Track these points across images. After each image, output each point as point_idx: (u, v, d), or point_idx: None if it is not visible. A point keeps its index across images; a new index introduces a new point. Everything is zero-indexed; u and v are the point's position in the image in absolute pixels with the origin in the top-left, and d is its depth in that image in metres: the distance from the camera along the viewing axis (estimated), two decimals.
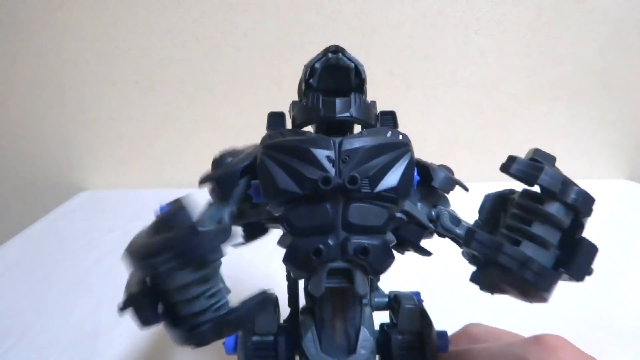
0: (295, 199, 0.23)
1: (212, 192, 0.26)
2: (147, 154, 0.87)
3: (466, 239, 0.23)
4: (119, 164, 0.90)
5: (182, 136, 0.84)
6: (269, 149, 0.24)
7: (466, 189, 0.27)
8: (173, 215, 0.21)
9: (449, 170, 0.28)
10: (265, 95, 0.78)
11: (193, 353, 0.46)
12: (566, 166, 0.86)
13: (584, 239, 0.22)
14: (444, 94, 0.77)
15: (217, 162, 0.26)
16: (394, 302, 0.29)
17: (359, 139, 0.24)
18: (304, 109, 0.26)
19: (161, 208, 0.23)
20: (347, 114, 0.26)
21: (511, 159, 0.23)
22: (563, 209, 0.22)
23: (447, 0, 0.71)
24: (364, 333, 0.26)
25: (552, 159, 0.23)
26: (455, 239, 0.26)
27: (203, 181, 0.26)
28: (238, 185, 0.26)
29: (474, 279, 0.23)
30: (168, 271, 0.20)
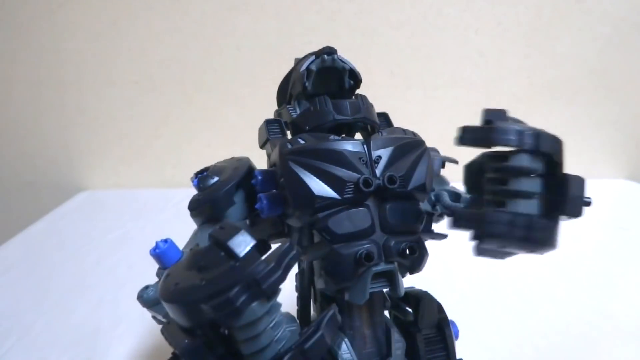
0: (329, 205, 0.22)
1: (199, 215, 0.25)
2: (147, 154, 0.87)
3: (455, 219, 0.23)
4: (119, 164, 0.90)
5: (182, 136, 0.84)
6: (295, 155, 0.22)
7: (456, 162, 0.28)
8: (230, 243, 0.18)
9: (434, 150, 0.29)
10: (265, 95, 0.78)
11: None
12: (566, 166, 0.85)
13: (568, 174, 0.22)
14: (444, 94, 0.77)
15: (201, 184, 0.25)
16: (411, 299, 0.29)
17: (383, 139, 0.24)
18: (313, 113, 0.25)
19: (157, 245, 0.22)
20: (360, 115, 0.26)
21: (463, 130, 0.23)
22: (527, 157, 0.22)
23: (447, 0, 0.71)
24: (395, 335, 0.25)
25: (502, 113, 0.24)
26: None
27: (195, 207, 0.25)
28: (234, 204, 0.25)
29: (479, 253, 0.24)
30: (244, 305, 0.17)
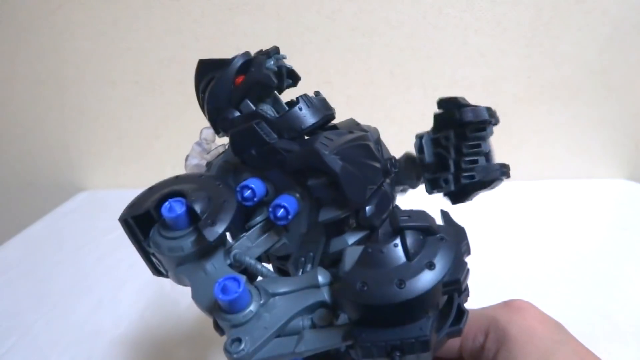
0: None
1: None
2: (147, 154, 0.87)
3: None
4: (119, 164, 0.90)
5: (182, 136, 0.84)
6: (342, 153, 0.23)
7: None
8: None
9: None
10: None
11: (193, 352, 0.46)
12: (566, 166, 0.85)
13: None
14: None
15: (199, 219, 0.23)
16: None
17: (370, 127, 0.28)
18: (311, 111, 0.25)
19: (224, 286, 0.21)
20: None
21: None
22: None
23: (447, 0, 0.71)
24: None
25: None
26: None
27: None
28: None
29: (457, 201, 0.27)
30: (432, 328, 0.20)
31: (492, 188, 0.27)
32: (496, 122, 0.27)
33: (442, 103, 0.28)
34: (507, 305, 0.27)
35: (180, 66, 0.78)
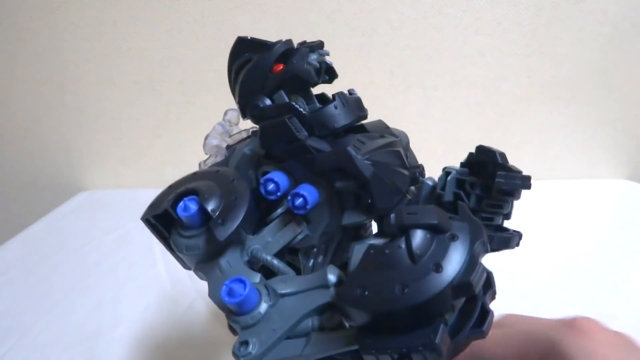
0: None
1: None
2: (147, 154, 0.87)
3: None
4: (119, 164, 0.90)
5: (182, 136, 0.84)
6: (374, 158, 0.23)
7: None
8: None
9: None
10: None
11: (194, 352, 0.46)
12: (566, 166, 0.85)
13: None
14: (444, 94, 0.77)
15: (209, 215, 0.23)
16: None
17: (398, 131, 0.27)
18: (346, 110, 0.25)
19: (230, 289, 0.20)
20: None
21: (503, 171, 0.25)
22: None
23: (447, 0, 0.71)
24: None
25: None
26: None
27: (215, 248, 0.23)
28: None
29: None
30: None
31: (496, 251, 0.25)
32: (528, 187, 0.24)
33: (479, 153, 0.27)
34: (569, 325, 0.23)
35: (180, 66, 0.78)
